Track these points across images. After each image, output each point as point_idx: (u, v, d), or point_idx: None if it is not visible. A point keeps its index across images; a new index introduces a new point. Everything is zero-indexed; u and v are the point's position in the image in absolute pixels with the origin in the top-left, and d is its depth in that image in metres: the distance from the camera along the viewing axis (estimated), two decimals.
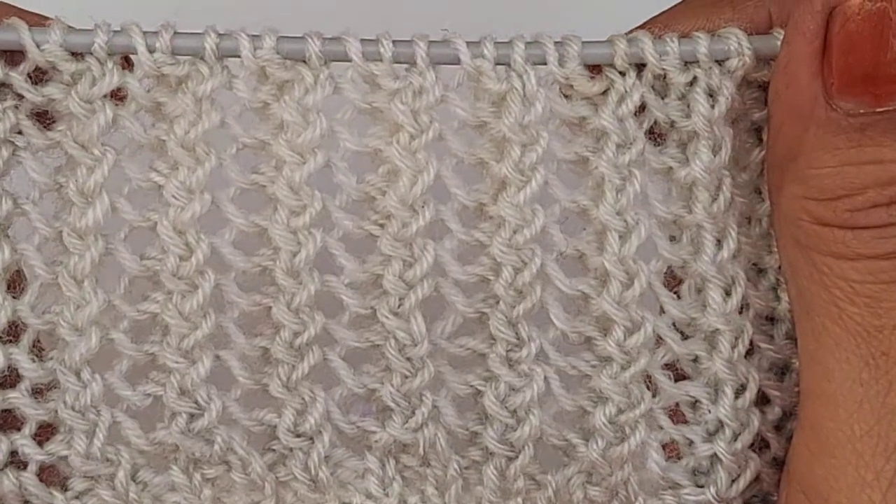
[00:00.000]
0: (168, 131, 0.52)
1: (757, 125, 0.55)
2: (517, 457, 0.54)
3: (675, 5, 0.56)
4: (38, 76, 0.52)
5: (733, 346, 0.55)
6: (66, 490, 0.54)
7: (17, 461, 0.53)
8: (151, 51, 0.52)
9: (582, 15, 0.59)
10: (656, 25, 0.54)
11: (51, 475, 0.54)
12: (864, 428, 0.50)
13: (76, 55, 0.52)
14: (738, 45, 0.52)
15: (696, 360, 0.56)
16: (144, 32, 0.52)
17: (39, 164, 0.53)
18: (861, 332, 0.49)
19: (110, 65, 0.52)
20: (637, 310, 0.54)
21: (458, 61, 0.52)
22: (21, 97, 0.52)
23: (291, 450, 0.54)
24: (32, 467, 0.53)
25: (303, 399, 0.54)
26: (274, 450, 0.55)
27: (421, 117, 0.53)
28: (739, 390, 0.55)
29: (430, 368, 0.54)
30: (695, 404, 0.56)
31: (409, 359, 0.54)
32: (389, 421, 0.54)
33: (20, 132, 0.53)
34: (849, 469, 0.50)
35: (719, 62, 0.53)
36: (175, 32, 0.52)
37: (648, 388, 0.55)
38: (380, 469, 0.55)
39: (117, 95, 0.53)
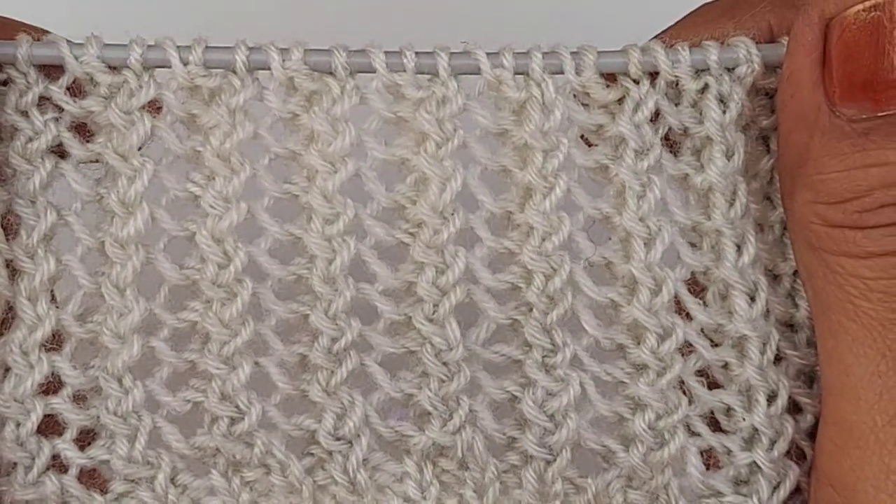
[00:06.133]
0: (204, 142, 0.54)
1: (765, 133, 0.56)
2: (555, 460, 0.55)
3: (679, 21, 0.57)
4: (76, 91, 0.53)
5: (762, 353, 0.55)
6: (105, 493, 0.55)
7: (58, 464, 0.54)
8: (185, 64, 0.53)
9: (585, 29, 0.60)
10: (664, 39, 0.55)
11: (91, 478, 0.55)
12: (885, 418, 0.51)
13: (112, 69, 0.53)
14: (747, 52, 0.54)
15: (725, 366, 0.56)
16: (178, 47, 0.53)
17: (81, 176, 0.54)
18: (876, 326, 0.50)
19: (146, 77, 0.53)
20: (667, 316, 0.55)
21: (478, 71, 0.54)
22: (61, 110, 0.53)
23: (331, 453, 0.55)
24: (73, 471, 0.54)
25: (342, 403, 0.55)
26: (312, 454, 0.55)
27: (445, 125, 0.54)
28: (771, 397, 0.55)
29: (466, 372, 0.54)
30: (728, 411, 0.56)
31: (445, 363, 0.54)
32: (428, 425, 0.55)
33: (61, 145, 0.54)
34: (874, 459, 0.51)
35: (729, 70, 0.54)
36: (206, 46, 0.53)
37: (685, 393, 0.55)
38: (417, 473, 0.55)
39: (153, 107, 0.54)
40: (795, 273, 0.56)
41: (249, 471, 0.55)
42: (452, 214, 0.54)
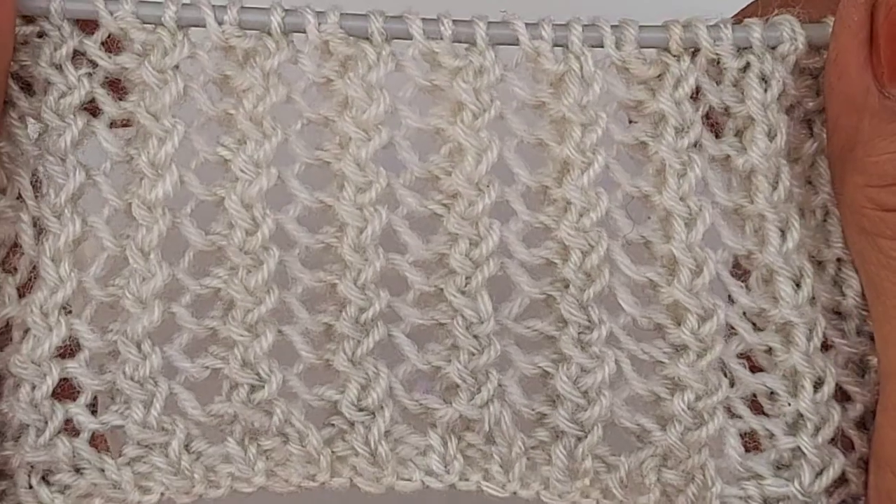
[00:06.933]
0: (236, 105, 0.53)
1: (809, 116, 0.55)
2: (586, 436, 0.53)
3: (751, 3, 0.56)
4: (111, 47, 0.53)
5: (808, 339, 0.53)
6: (119, 456, 0.53)
7: (70, 428, 0.53)
8: (220, 23, 0.52)
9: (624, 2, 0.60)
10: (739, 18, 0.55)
11: (103, 441, 0.54)
12: None
13: (147, 26, 0.52)
14: (791, 31, 0.53)
15: (769, 351, 0.54)
16: (213, 6, 0.52)
17: (112, 135, 0.53)
18: None
19: (181, 36, 0.52)
20: (708, 297, 0.53)
21: (516, 42, 0.53)
22: (95, 66, 0.53)
23: (353, 424, 0.53)
24: (85, 435, 0.53)
25: (367, 374, 0.53)
26: (333, 424, 0.54)
27: (482, 96, 0.53)
28: (817, 384, 0.53)
29: (496, 346, 0.53)
30: (771, 395, 0.54)
31: (475, 336, 0.53)
32: (455, 397, 0.53)
33: (93, 102, 0.53)
34: None
35: (772, 48, 0.53)
36: (242, 7, 0.52)
37: (726, 375, 0.54)
38: (441, 447, 0.54)
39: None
40: (839, 260, 0.55)
41: (267, 439, 0.54)
42: (488, 186, 0.53)
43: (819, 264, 0.55)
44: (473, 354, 0.53)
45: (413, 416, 0.54)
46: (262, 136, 0.52)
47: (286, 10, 0.52)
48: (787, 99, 0.54)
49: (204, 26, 0.52)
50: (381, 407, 0.53)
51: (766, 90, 0.53)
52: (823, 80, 0.52)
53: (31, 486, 0.53)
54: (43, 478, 0.53)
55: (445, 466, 0.54)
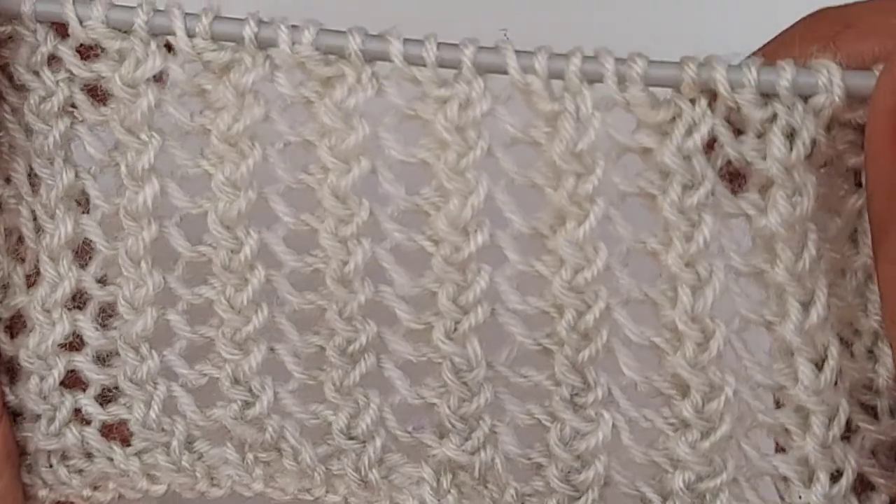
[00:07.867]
0: (212, 124, 0.48)
1: (855, 169, 0.45)
2: (580, 497, 0.50)
3: (788, 30, 0.45)
4: (89, 51, 0.49)
5: (827, 428, 0.46)
6: (128, 445, 0.54)
7: (81, 418, 0.54)
8: (191, 35, 0.47)
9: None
10: (762, 54, 0.44)
11: (112, 431, 0.55)
12: None
13: (122, 32, 0.48)
14: (828, 80, 0.42)
15: (786, 430, 0.47)
16: (186, 14, 0.47)
17: (95, 140, 0.50)
18: None
19: (153, 46, 0.48)
20: (716, 371, 0.47)
21: (506, 72, 0.45)
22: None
23: (344, 450, 0.52)
24: (95, 424, 0.54)
25: (356, 403, 0.51)
26: (329, 443, 0.52)
27: (468, 133, 0.46)
28: (835, 475, 0.47)
29: (487, 393, 0.49)
30: (785, 479, 0.48)
31: (465, 383, 0.49)
32: (446, 440, 0.51)
33: (74, 105, 0.50)
34: None
35: (805, 98, 0.42)
36: (216, 17, 0.47)
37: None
38: (434, 481, 0.52)
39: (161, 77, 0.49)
40: (877, 332, 0.46)
41: (262, 452, 0.53)
42: (476, 231, 0.47)
43: (855, 332, 0.47)
44: (464, 400, 0.49)
45: (407, 445, 0.52)
46: (239, 156, 0.48)
47: (260, 23, 0.46)
48: (821, 157, 0.44)
49: (174, 35, 0.47)
50: (372, 436, 0.51)
51: (792, 148, 0.43)
52: (865, 144, 0.42)
53: (51, 465, 0.55)
54: (63, 456, 0.55)
55: (439, 500, 0.52)
